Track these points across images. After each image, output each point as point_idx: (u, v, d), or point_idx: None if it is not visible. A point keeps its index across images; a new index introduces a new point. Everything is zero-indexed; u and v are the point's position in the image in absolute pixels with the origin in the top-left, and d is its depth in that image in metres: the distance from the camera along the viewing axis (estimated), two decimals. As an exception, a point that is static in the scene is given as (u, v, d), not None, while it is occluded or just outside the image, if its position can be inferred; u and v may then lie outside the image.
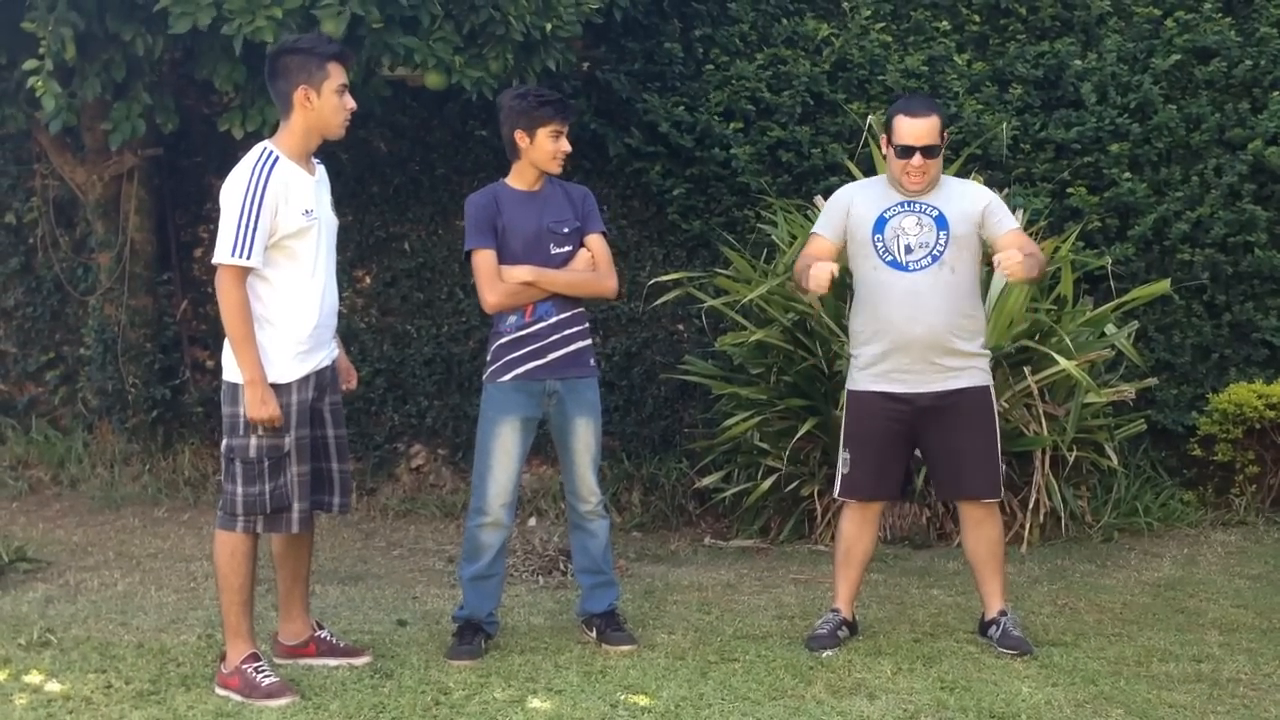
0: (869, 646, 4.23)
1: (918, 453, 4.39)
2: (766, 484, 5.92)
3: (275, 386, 3.65)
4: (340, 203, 6.97)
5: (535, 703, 3.64)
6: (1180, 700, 3.70)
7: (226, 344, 3.69)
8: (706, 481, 6.26)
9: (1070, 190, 6.55)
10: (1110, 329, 6.07)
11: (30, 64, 5.34)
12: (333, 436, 3.91)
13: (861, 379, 4.24)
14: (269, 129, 6.02)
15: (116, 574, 5.20)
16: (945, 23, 6.85)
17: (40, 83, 5.32)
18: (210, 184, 7.30)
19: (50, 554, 5.48)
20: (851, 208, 4.25)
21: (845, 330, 5.18)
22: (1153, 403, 6.54)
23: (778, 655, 4.12)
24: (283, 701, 3.61)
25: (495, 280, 4.11)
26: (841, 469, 4.28)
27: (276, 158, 3.68)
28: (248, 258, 3.58)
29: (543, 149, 4.15)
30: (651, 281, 6.61)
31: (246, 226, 3.56)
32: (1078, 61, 6.69)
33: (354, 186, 7.06)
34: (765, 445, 5.94)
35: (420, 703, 3.63)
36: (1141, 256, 6.59)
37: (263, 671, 3.69)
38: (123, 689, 3.72)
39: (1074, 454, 5.84)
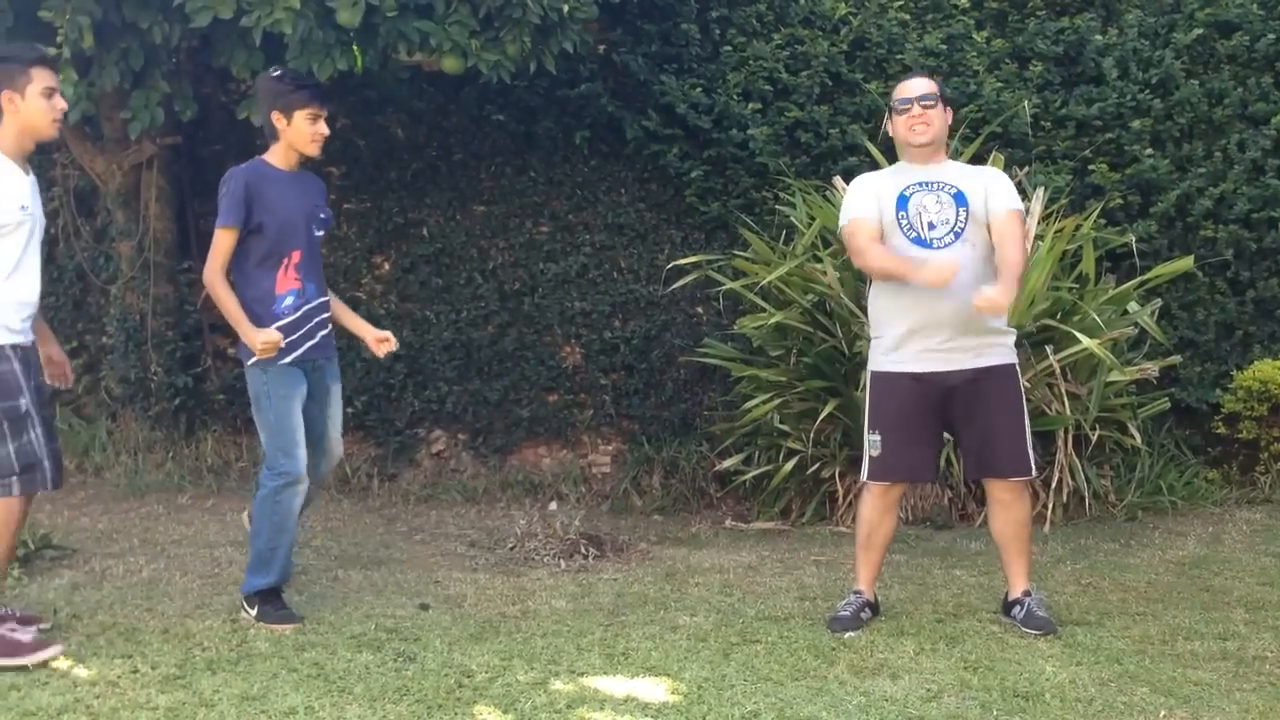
0: (891, 627, 4.22)
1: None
2: (788, 466, 5.91)
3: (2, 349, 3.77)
4: (358, 189, 7.07)
5: (558, 685, 3.65)
6: (1206, 678, 3.68)
7: None
8: (727, 464, 6.26)
9: (1092, 167, 6.51)
10: (1133, 307, 6.04)
11: (49, 52, 5.36)
12: (44, 417, 3.98)
13: (885, 361, 4.20)
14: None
15: (141, 560, 5.24)
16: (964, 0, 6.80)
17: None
18: (229, 172, 7.32)
19: (76, 541, 5.52)
20: (876, 188, 4.24)
21: (865, 311, 5.15)
22: (1176, 381, 6.50)
23: (800, 636, 4.11)
24: (53, 651, 3.77)
25: (225, 262, 4.24)
26: (870, 451, 4.23)
27: None
28: None
29: (300, 131, 4.27)
30: (670, 265, 6.60)
31: None
32: (1098, 37, 6.64)
33: (371, 172, 7.07)
34: (786, 427, 5.93)
35: (444, 685, 3.64)
36: (1164, 233, 6.54)
37: (16, 629, 3.84)
38: (149, 673, 3.74)
39: (1097, 433, 5.82)
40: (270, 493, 4.26)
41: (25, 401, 3.80)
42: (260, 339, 4.13)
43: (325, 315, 4.38)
